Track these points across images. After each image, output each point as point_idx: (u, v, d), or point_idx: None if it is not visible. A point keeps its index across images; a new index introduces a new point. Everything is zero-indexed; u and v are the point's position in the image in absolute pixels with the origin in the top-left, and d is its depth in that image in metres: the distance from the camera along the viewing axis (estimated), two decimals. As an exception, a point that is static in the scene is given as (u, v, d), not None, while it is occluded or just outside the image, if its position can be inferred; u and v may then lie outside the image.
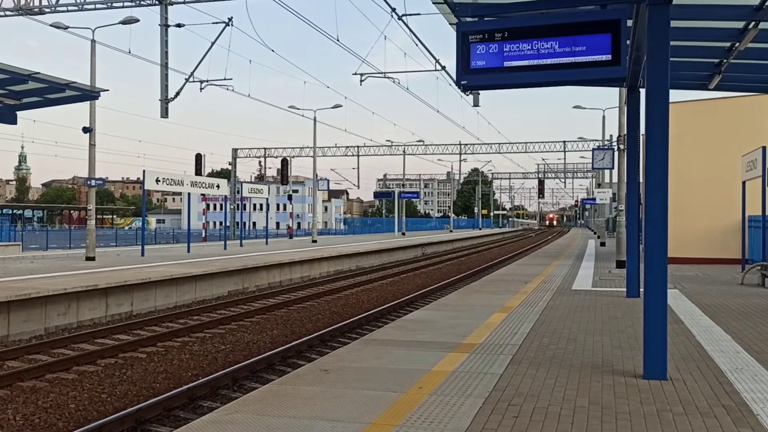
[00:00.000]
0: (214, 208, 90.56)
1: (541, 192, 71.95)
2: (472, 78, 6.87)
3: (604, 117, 47.41)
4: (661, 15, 6.36)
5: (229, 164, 53.06)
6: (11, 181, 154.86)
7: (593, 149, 25.94)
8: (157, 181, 23.86)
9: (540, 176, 78.48)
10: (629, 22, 8.67)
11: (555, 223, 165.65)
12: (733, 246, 20.48)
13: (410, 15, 21.55)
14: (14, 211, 77.10)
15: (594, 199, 49.11)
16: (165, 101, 24.42)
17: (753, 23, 8.63)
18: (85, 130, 21.49)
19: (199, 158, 36.76)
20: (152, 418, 7.56)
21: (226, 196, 33.82)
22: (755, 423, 4.99)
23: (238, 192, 46.02)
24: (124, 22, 21.56)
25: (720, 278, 16.89)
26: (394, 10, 19.04)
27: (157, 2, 23.07)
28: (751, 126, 20.84)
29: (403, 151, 55.49)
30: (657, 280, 6.34)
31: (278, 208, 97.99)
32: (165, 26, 23.66)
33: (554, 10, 7.65)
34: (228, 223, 45.06)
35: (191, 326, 13.00)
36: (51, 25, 21.23)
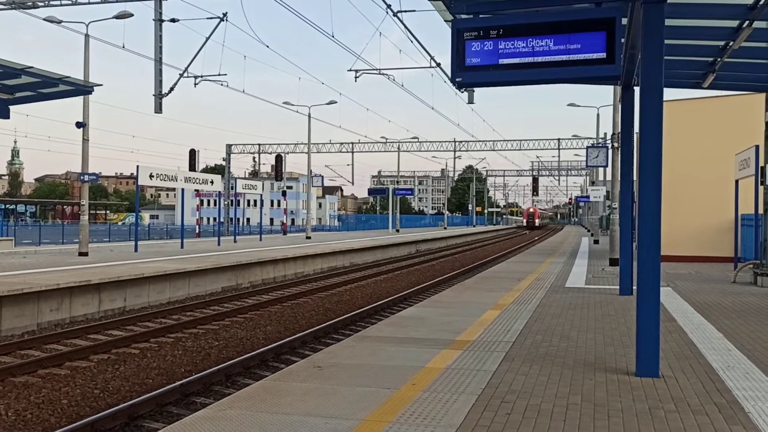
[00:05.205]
0: (208, 204, 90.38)
1: (535, 189, 71.98)
2: (467, 75, 6.88)
3: (598, 115, 47.64)
4: (655, 13, 6.36)
5: (223, 160, 52.94)
6: (4, 176, 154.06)
7: (587, 147, 26.00)
8: (151, 176, 23.78)
9: (534, 174, 78.57)
10: (624, 21, 8.68)
11: (537, 221, 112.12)
12: (725, 244, 20.57)
13: (405, 11, 21.48)
14: (7, 206, 76.78)
15: (588, 197, 49.24)
16: (159, 96, 24.33)
17: (747, 22, 8.65)
18: (79, 125, 21.41)
19: (193, 154, 36.59)
20: (145, 413, 7.55)
21: (220, 191, 33.75)
22: (746, 421, 5.02)
23: (232, 188, 45.97)
24: (118, 17, 21.48)
25: (712, 276, 16.96)
26: (389, 6, 19.03)
27: (151, -3, 22.96)
28: (745, 125, 20.91)
29: (398, 148, 55.45)
30: (650, 277, 6.36)
31: (272, 204, 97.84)
32: (159, 21, 23.56)
33: (549, 8, 7.67)
34: (222, 219, 44.96)
35: (184, 322, 12.98)
36: (44, 20, 21.14)
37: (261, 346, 11.24)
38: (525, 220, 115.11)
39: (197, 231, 41.67)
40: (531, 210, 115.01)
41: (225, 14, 24.36)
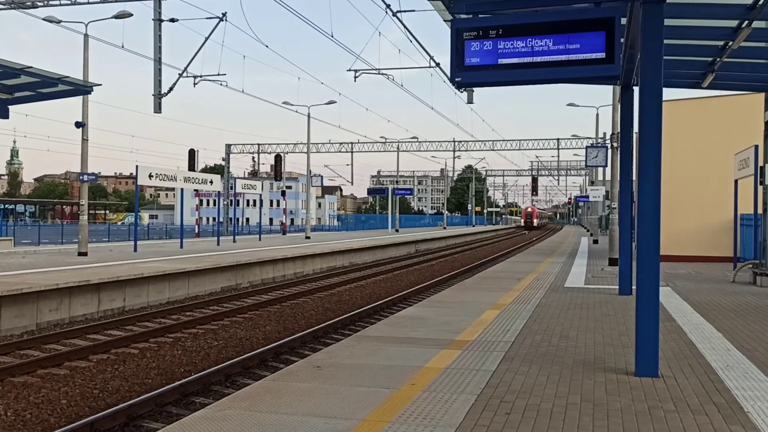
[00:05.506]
0: (208, 204, 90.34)
1: (534, 189, 72.06)
2: (467, 75, 6.87)
3: (597, 115, 47.65)
4: (655, 13, 6.37)
5: (223, 160, 52.92)
6: (3, 175, 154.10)
7: (587, 147, 26.00)
8: (150, 176, 23.77)
9: (534, 174, 78.61)
10: (623, 20, 8.68)
11: (535, 220, 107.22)
12: (725, 244, 20.57)
13: (405, 11, 21.47)
14: (6, 206, 76.79)
15: (587, 197, 49.23)
16: (158, 96, 24.34)
17: (746, 22, 8.66)
18: (78, 124, 21.41)
19: (192, 154, 36.59)
20: (144, 413, 7.54)
21: (219, 191, 33.79)
22: (746, 420, 5.02)
23: (231, 188, 45.96)
24: (117, 17, 21.47)
25: (712, 276, 16.96)
26: (388, 6, 19.02)
27: (150, -3, 22.96)
28: (744, 125, 20.92)
29: (397, 148, 55.46)
30: (649, 277, 6.36)
31: (272, 204, 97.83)
32: (158, 21, 23.56)
33: (549, 7, 7.67)
34: (221, 219, 44.95)
35: (184, 322, 12.98)
36: (44, 19, 21.13)
37: (260, 346, 11.24)
38: (523, 220, 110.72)
39: (196, 231, 41.69)
40: (529, 209, 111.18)
41: (224, 14, 24.37)
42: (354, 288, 19.50)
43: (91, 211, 72.05)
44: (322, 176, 47.46)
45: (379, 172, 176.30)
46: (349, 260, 28.21)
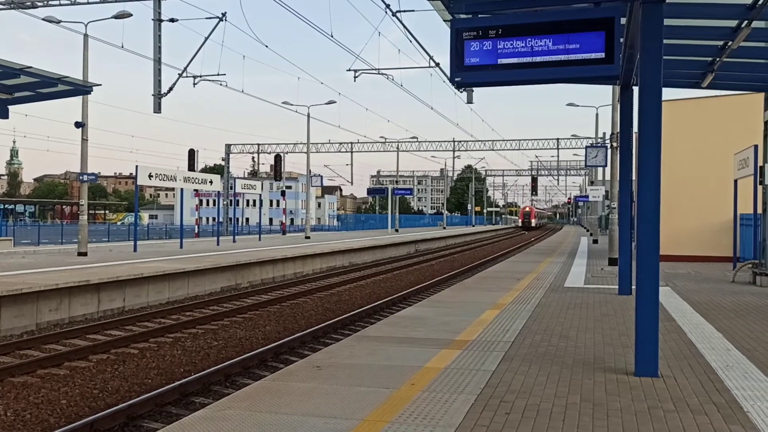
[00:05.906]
0: (207, 204, 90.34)
1: (534, 189, 72.07)
2: (466, 75, 6.88)
3: (597, 115, 47.59)
4: (654, 13, 6.37)
5: (222, 160, 52.91)
6: (3, 175, 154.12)
7: (586, 147, 25.99)
8: (150, 176, 23.78)
9: (533, 173, 78.63)
10: (623, 20, 8.68)
11: (533, 221, 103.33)
12: (724, 244, 20.58)
13: (404, 11, 21.47)
14: (6, 206, 76.80)
15: (587, 197, 49.26)
16: (158, 96, 24.36)
17: (746, 22, 8.67)
18: (78, 124, 21.41)
19: (192, 154, 36.60)
20: (144, 414, 7.54)
21: (219, 191, 33.79)
22: (745, 420, 5.02)
23: (231, 188, 45.96)
24: (117, 17, 21.48)
25: (711, 276, 16.96)
26: (388, 6, 19.01)
27: (150, -3, 22.97)
28: (744, 125, 20.92)
29: (397, 148, 55.46)
30: (649, 277, 6.36)
31: (271, 204, 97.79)
32: (158, 21, 23.57)
33: (548, 7, 7.67)
34: (221, 219, 44.96)
35: (183, 322, 12.98)
36: (43, 19, 21.13)
37: (260, 346, 11.24)
38: (520, 220, 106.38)
39: (196, 231, 41.68)
40: (527, 209, 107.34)
41: (224, 14, 24.39)
42: (354, 288, 19.50)
43: (90, 211, 72.05)
44: (321, 176, 47.48)
45: (378, 172, 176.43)
46: (348, 260, 28.21)
